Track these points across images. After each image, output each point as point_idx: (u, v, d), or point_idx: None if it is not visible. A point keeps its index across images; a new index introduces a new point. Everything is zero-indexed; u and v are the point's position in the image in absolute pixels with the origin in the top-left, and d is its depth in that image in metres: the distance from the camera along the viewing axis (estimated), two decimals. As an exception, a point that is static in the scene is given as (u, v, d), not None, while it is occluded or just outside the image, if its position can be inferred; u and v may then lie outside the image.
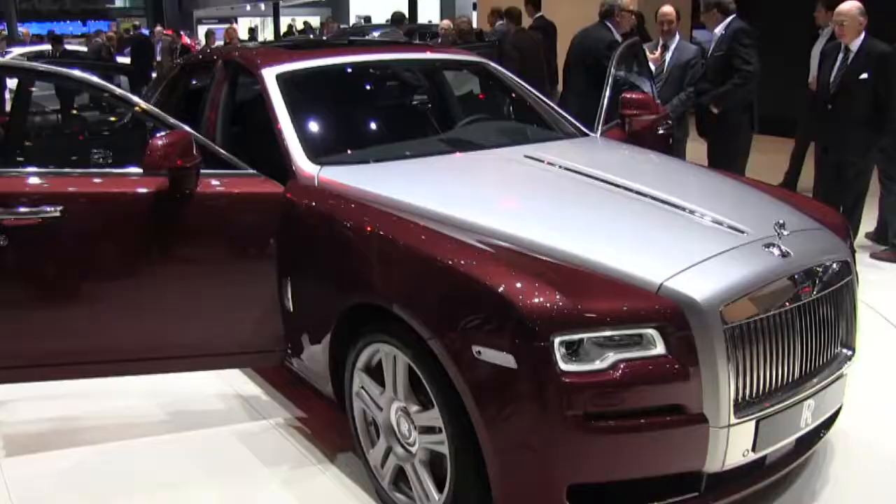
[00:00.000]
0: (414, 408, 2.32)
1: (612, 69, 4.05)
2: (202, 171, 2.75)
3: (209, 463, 2.81)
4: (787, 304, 2.19)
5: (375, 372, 2.47)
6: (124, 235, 2.72)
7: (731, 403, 2.06)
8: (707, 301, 2.03)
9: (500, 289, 2.02)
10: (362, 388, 2.54)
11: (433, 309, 2.19)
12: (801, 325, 2.22)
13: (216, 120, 3.46)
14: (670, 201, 2.52)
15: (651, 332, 2.02)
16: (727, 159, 5.08)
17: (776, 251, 2.25)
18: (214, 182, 2.79)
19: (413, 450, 2.39)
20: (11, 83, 3.49)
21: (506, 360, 1.98)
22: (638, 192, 2.60)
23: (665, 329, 2.02)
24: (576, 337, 1.98)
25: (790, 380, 2.22)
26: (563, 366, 1.96)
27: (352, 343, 2.51)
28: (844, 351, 2.45)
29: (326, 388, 2.75)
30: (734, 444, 2.10)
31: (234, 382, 3.40)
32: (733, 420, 2.07)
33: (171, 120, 2.83)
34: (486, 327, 2.04)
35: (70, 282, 2.71)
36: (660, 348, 2.02)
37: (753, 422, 2.12)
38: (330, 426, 2.96)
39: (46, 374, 2.78)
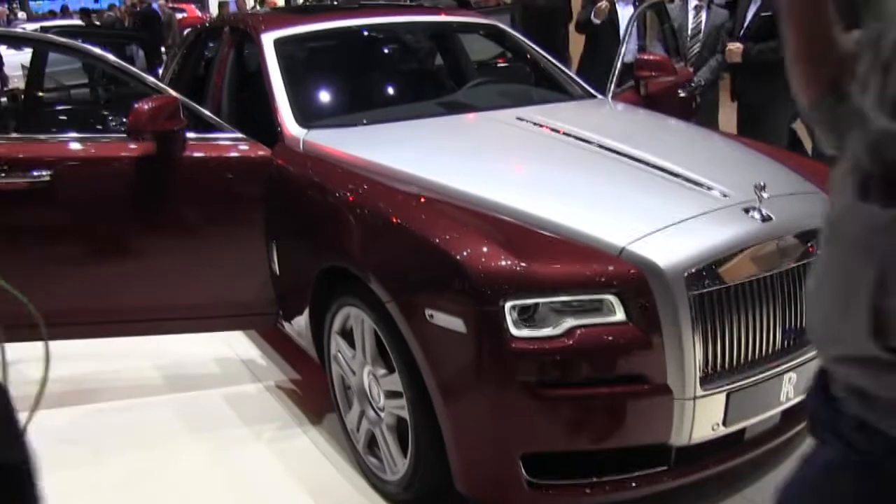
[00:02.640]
0: (380, 371, 2.31)
1: (626, 32, 3.90)
2: (189, 134, 2.78)
3: (198, 422, 2.87)
4: (765, 270, 2.06)
5: (349, 335, 2.46)
6: (112, 199, 2.78)
7: (697, 375, 1.97)
8: (671, 266, 1.94)
9: (451, 251, 1.97)
10: (338, 351, 2.54)
11: (390, 271, 2.16)
12: (782, 293, 2.10)
13: (222, 85, 3.49)
14: (656, 164, 2.41)
15: (610, 297, 1.94)
16: (762, 125, 4.81)
17: (757, 215, 2.12)
18: (201, 145, 2.81)
19: (382, 414, 2.38)
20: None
21: (456, 324, 1.94)
22: (624, 154, 2.49)
23: (625, 295, 1.94)
24: (529, 302, 1.92)
25: (768, 351, 2.10)
26: (515, 331, 1.90)
27: (327, 306, 2.51)
28: (838, 323, 2.30)
29: (312, 350, 2.77)
30: (702, 418, 2.01)
31: (235, 346, 3.46)
32: (700, 392, 1.98)
33: (160, 84, 2.85)
34: (438, 290, 2.00)
35: (59, 245, 2.78)
36: (619, 315, 1.94)
37: (723, 394, 2.02)
38: (320, 388, 2.97)
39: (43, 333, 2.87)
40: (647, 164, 2.42)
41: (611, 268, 1.95)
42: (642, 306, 1.93)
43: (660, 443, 2.03)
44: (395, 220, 2.17)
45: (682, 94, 4.14)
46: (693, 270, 1.95)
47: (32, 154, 2.69)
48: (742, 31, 4.78)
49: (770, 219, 2.12)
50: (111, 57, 2.88)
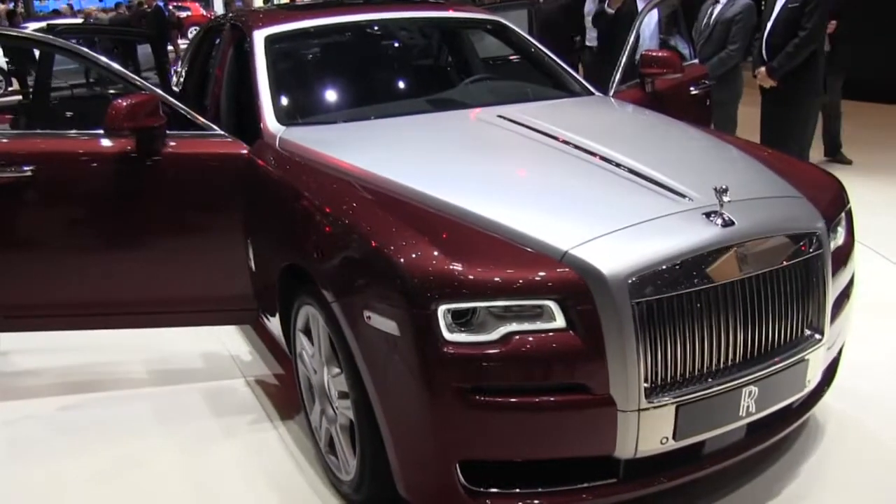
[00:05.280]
0: (334, 371, 2.29)
1: (635, 27, 3.79)
2: (169, 132, 2.82)
3: (175, 416, 2.91)
4: (722, 278, 1.96)
5: (310, 334, 2.46)
6: (92, 194, 2.83)
7: (642, 386, 1.89)
8: (613, 273, 1.86)
9: (387, 252, 1.94)
10: (302, 349, 2.53)
11: (335, 270, 2.14)
12: (743, 302, 1.99)
13: (222, 82, 3.53)
14: (627, 165, 2.33)
15: (550, 304, 1.87)
16: (789, 128, 4.61)
17: (718, 220, 2.02)
18: (181, 142, 2.84)
19: (337, 413, 2.37)
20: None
21: (390, 326, 1.91)
22: (596, 154, 2.41)
23: (566, 302, 1.87)
24: (464, 306, 1.87)
25: (725, 363, 2.00)
26: (448, 335, 1.85)
27: (291, 304, 2.51)
28: (811, 334, 2.18)
29: (285, 347, 2.77)
30: (648, 431, 1.93)
31: (225, 340, 3.50)
32: (644, 404, 1.90)
33: (143, 83, 2.90)
34: (375, 292, 1.97)
35: (40, 239, 2.85)
36: (559, 322, 1.87)
37: (672, 407, 1.93)
38: (299, 385, 2.99)
39: (20, 325, 2.96)
40: (618, 164, 2.33)
41: (551, 273, 1.88)
42: (583, 314, 1.86)
43: (604, 455, 1.96)
44: (340, 219, 2.16)
45: (694, 92, 4.00)
46: (638, 277, 1.87)
47: (15, 149, 2.76)
48: (771, 25, 4.59)
49: (732, 224, 2.02)
50: (102, 58, 2.93)
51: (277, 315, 2.68)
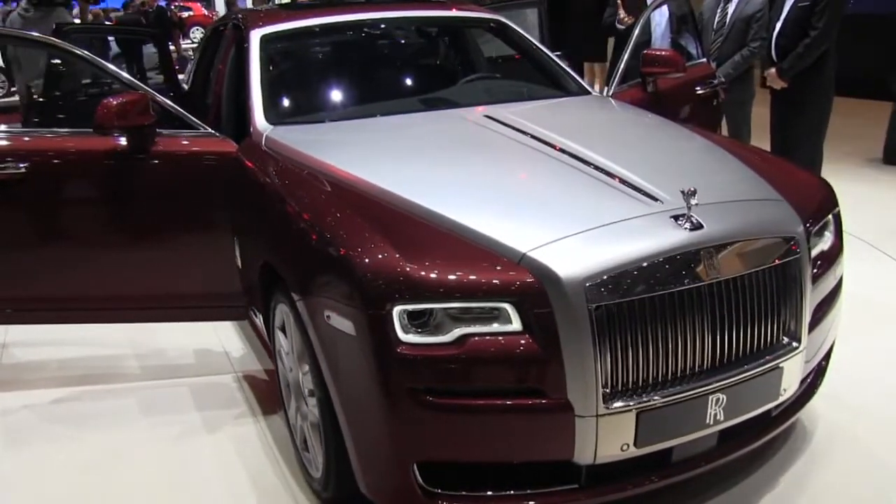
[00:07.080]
0: (305, 368, 2.30)
1: (637, 28, 3.73)
2: (160, 130, 2.86)
3: (162, 408, 2.96)
4: (686, 282, 1.92)
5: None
6: (83, 192, 2.89)
7: (600, 391, 1.86)
8: (569, 276, 1.83)
9: (344, 253, 1.94)
10: (280, 347, 2.55)
11: (300, 269, 2.15)
12: (710, 307, 1.95)
13: (223, 81, 3.57)
14: (602, 166, 2.29)
15: (506, 306, 1.85)
16: (800, 130, 4.49)
17: (686, 224, 1.98)
18: (171, 141, 2.88)
19: (308, 411, 2.38)
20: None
21: (347, 326, 1.91)
22: (575, 156, 2.38)
23: (522, 304, 1.84)
24: (419, 307, 1.86)
25: (692, 369, 1.96)
26: (403, 336, 1.85)
27: (270, 302, 2.53)
28: (788, 342, 2.12)
29: (269, 343, 2.80)
30: (607, 437, 1.89)
31: (221, 336, 3.54)
32: (602, 410, 1.87)
33: (134, 81, 2.95)
34: (333, 292, 1.97)
35: (32, 234, 2.92)
36: (515, 325, 1.85)
37: (633, 414, 1.90)
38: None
39: (14, 318, 3.03)
40: (594, 166, 2.30)
41: (508, 275, 1.86)
42: (540, 317, 1.84)
43: (563, 460, 1.93)
44: (305, 218, 2.17)
45: (700, 91, 3.92)
46: (596, 281, 1.84)
47: (9, 147, 2.83)
48: (780, 25, 4.47)
49: (700, 227, 1.97)
50: (100, 60, 2.99)
51: (260, 313, 2.71)
